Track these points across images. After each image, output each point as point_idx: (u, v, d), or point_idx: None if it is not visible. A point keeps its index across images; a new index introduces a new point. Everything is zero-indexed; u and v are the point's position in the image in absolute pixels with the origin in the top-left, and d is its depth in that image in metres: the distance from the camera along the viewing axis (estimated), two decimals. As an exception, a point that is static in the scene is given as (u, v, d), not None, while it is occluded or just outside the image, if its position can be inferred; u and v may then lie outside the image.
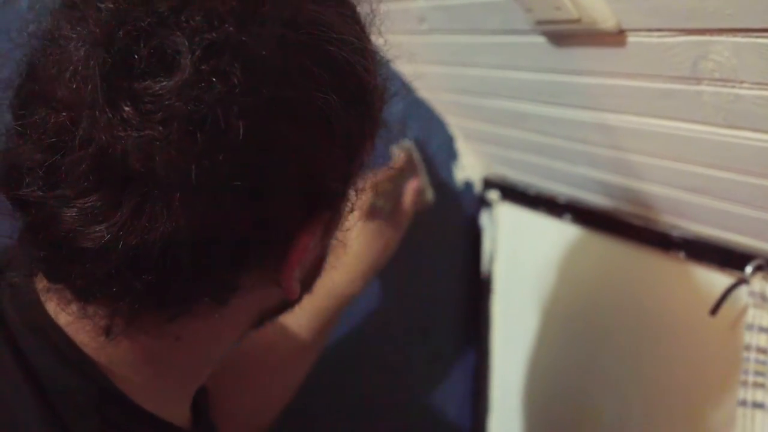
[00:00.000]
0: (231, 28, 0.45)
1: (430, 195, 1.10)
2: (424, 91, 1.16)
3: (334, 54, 0.49)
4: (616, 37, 0.70)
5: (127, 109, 0.43)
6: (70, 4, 0.48)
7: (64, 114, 0.45)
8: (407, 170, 1.05)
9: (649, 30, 0.67)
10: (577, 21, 0.71)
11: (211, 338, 0.55)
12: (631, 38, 0.70)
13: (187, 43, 0.44)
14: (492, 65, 0.94)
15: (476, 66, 0.97)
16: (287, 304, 0.60)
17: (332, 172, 0.51)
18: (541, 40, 0.80)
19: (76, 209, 0.45)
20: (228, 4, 0.45)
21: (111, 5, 0.45)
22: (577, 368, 1.12)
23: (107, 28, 0.44)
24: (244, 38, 0.45)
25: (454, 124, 1.19)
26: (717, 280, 0.85)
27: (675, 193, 0.86)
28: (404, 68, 1.13)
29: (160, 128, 0.43)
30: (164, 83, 0.44)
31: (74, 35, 0.45)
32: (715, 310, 0.84)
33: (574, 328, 1.12)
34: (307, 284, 0.59)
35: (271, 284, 0.53)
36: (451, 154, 1.22)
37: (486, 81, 0.99)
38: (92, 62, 0.44)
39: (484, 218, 1.26)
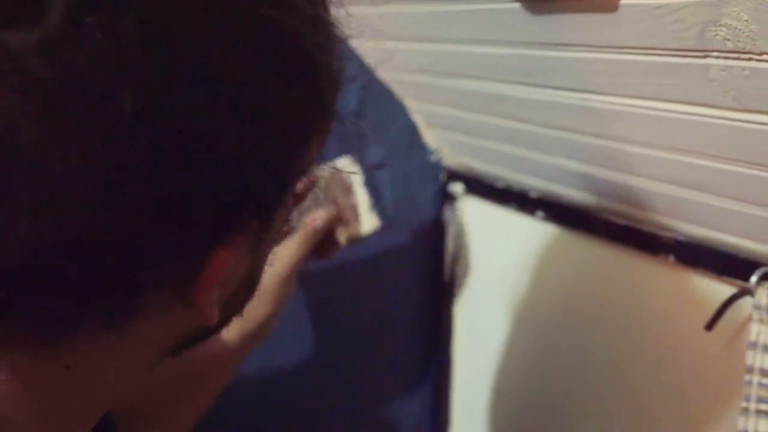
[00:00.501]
0: None
1: (370, 223, 0.98)
2: (381, 71, 1.11)
3: (274, 19, 0.41)
4: (606, 0, 0.63)
5: None
6: None
7: None
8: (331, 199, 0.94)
9: None
10: None
11: (108, 367, 0.46)
12: (625, 1, 0.62)
13: None
14: (457, 39, 0.87)
15: (439, 41, 0.91)
16: (210, 330, 0.52)
17: (262, 172, 0.42)
18: (515, 6, 0.73)
19: None
20: None
21: None
22: (549, 384, 1.07)
23: None
24: None
25: (415, 108, 1.14)
26: (714, 289, 0.80)
27: (667, 188, 0.80)
28: (358, 45, 1.06)
29: (16, 96, 0.34)
30: (22, 36, 0.34)
31: None
32: (711, 324, 0.79)
33: (547, 340, 1.07)
34: (235, 307, 0.51)
35: (183, 306, 0.44)
36: (412, 143, 1.18)
37: (450, 58, 0.93)
38: None
39: (447, 214, 1.21)
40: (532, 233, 1.06)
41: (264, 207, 0.44)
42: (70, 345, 0.42)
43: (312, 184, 0.81)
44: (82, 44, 0.35)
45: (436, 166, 1.19)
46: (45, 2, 0.34)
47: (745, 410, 0.74)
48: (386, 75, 1.10)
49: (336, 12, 0.48)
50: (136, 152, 0.37)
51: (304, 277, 1.11)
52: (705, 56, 0.60)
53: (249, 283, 0.50)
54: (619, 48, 0.67)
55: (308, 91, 0.44)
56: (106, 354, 0.44)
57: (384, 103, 1.13)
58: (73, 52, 0.34)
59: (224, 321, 0.50)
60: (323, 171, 0.94)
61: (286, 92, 0.42)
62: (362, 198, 0.96)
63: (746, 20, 0.54)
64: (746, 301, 0.75)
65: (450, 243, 1.22)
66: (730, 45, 0.57)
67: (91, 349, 0.43)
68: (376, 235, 1.12)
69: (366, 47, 1.06)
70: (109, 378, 0.47)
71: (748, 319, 0.75)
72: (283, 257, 0.85)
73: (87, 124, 0.35)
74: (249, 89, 0.40)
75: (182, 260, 0.42)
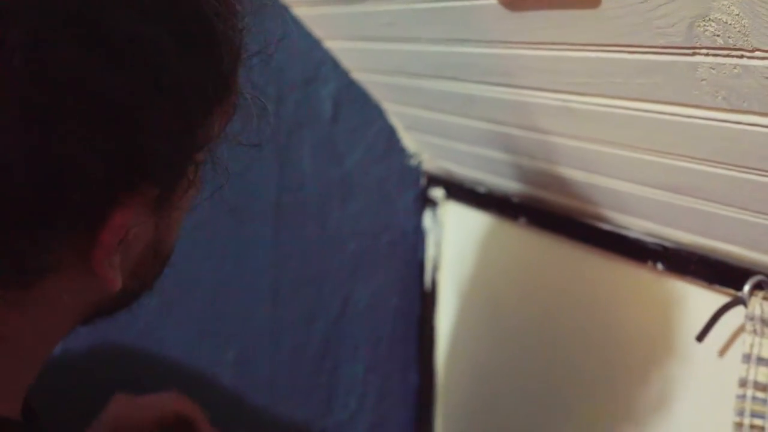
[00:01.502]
0: None
1: None
2: (357, 72, 1.08)
3: None
4: (587, -5, 0.60)
5: None
6: None
7: None
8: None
9: None
10: None
11: (21, 330, 0.48)
12: (608, -5, 0.59)
13: None
14: (434, 39, 0.85)
15: (415, 41, 0.88)
16: (122, 300, 0.54)
17: (157, 136, 0.44)
18: (492, 3, 0.70)
19: None
20: None
21: None
22: (534, 396, 1.05)
23: None
24: None
25: (391, 110, 1.12)
26: (705, 298, 0.78)
27: (654, 193, 0.77)
28: (333, 45, 1.04)
29: None
30: None
31: None
32: (702, 335, 0.76)
33: (531, 350, 1.05)
34: (142, 275, 0.53)
35: (87, 270, 0.46)
36: (390, 146, 1.16)
37: (426, 59, 0.90)
38: None
39: (427, 220, 1.20)
40: (515, 239, 1.04)
41: (161, 173, 0.46)
42: None
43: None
44: None
45: (416, 171, 1.17)
46: None
47: (739, 426, 0.71)
48: (362, 77, 1.08)
49: None
50: (27, 108, 0.38)
51: (281, 285, 1.09)
52: (693, 53, 0.57)
53: (155, 253, 0.52)
54: (602, 46, 0.64)
55: (206, 58, 0.45)
56: (19, 316, 0.47)
57: (360, 106, 1.11)
58: None
59: (134, 292, 0.53)
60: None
61: (182, 56, 0.43)
62: None
63: (737, 14, 0.51)
64: (739, 311, 0.73)
65: (430, 250, 1.21)
66: (719, 41, 0.54)
67: (9, 311, 0.46)
68: (354, 242, 1.11)
69: (340, 48, 1.03)
70: (24, 342, 0.49)
71: (741, 330, 0.73)
72: None
73: None
74: (143, 48, 0.41)
75: (79, 217, 0.43)
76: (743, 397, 0.71)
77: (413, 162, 1.16)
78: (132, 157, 0.43)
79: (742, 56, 0.53)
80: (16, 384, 0.51)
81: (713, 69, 0.56)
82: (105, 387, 0.86)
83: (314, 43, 1.05)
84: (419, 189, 1.18)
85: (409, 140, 1.15)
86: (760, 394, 0.71)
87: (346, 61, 1.06)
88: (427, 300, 1.22)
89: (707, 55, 0.56)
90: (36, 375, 0.52)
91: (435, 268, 1.21)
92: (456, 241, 1.18)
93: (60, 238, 0.44)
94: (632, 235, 0.85)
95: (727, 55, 0.54)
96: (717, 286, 0.76)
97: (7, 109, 0.38)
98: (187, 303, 1.03)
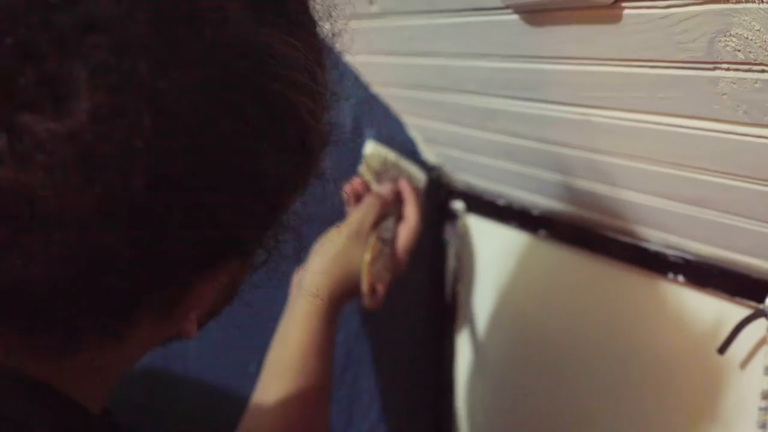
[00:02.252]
0: (143, 69, 0.40)
1: (421, 176, 1.08)
2: (377, 86, 1.08)
3: (275, 92, 0.46)
4: (608, 11, 0.60)
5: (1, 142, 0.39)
6: None
7: None
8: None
9: None
10: None
11: (118, 362, 0.55)
12: (629, 11, 0.59)
13: (87, 79, 0.39)
14: (454, 53, 0.85)
15: (435, 55, 0.88)
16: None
17: (249, 224, 0.49)
18: (513, 18, 0.70)
19: None
20: (144, 32, 0.40)
21: None
22: (555, 407, 1.04)
23: None
24: (158, 83, 0.40)
25: (411, 124, 1.12)
26: (726, 311, 0.77)
27: (674, 206, 0.77)
28: (355, 59, 1.04)
29: (41, 174, 0.39)
30: (52, 126, 0.39)
31: None
32: (724, 348, 0.76)
33: (552, 362, 1.04)
34: (214, 315, 0.58)
35: (168, 323, 0.52)
36: (411, 160, 1.14)
37: (447, 72, 0.90)
38: None
39: (448, 232, 1.20)
40: (535, 252, 1.04)
41: (246, 250, 0.51)
42: (71, 357, 0.49)
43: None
44: (105, 136, 0.39)
45: (436, 184, 1.16)
46: (71, 95, 0.39)
47: (762, 439, 0.71)
48: (382, 90, 1.08)
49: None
50: (146, 214, 0.42)
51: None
52: (714, 68, 0.57)
53: (228, 298, 0.57)
54: (623, 60, 0.64)
55: (298, 156, 0.49)
56: (110, 353, 0.51)
57: (381, 120, 1.11)
58: (98, 143, 0.39)
59: (201, 326, 0.56)
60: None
61: (280, 161, 0.47)
62: (404, 162, 1.06)
63: (758, 30, 0.51)
64: (760, 324, 0.72)
65: (451, 262, 1.20)
66: (740, 56, 0.54)
67: (100, 352, 0.50)
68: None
69: (361, 62, 1.04)
70: (113, 370, 0.55)
71: (763, 342, 0.73)
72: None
73: (105, 196, 0.40)
74: (249, 163, 0.45)
75: (169, 293, 0.48)
76: (765, 409, 0.71)
77: (433, 175, 1.16)
78: (228, 244, 0.48)
79: (763, 71, 0.53)
80: (101, 394, 0.57)
81: (734, 83, 0.56)
82: (125, 399, 0.87)
83: (335, 58, 1.05)
84: (439, 201, 1.18)
85: (429, 153, 1.15)
86: (782, 407, 0.70)
87: (368, 75, 1.06)
88: (447, 312, 1.21)
89: (728, 69, 0.56)
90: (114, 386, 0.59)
91: (455, 281, 1.20)
92: (476, 253, 1.17)
93: (153, 307, 0.48)
94: (653, 247, 0.84)
95: (749, 70, 0.54)
96: (738, 299, 0.75)
97: (135, 218, 0.42)
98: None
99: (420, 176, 1.07)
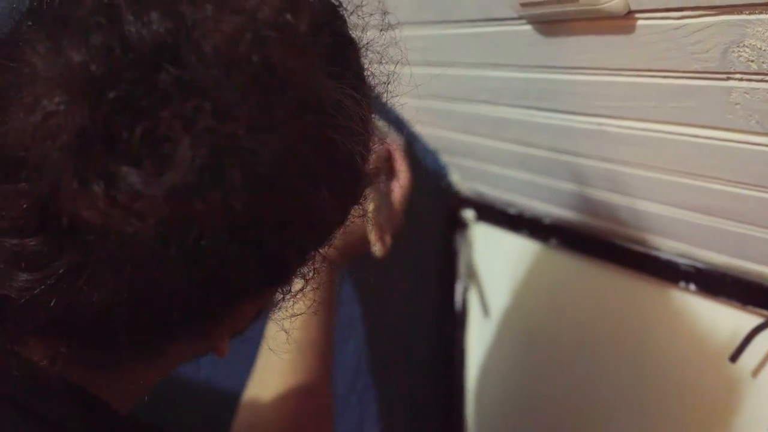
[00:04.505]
0: (241, 131, 0.42)
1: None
2: (388, 95, 1.05)
3: (337, 143, 0.48)
4: (622, 21, 0.60)
5: (97, 189, 0.41)
6: (48, 19, 0.44)
7: (23, 168, 0.42)
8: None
9: (667, 10, 0.57)
10: (574, 0, 0.61)
11: (142, 378, 0.57)
12: (642, 22, 0.59)
13: (188, 139, 0.41)
14: (467, 63, 0.86)
15: (448, 65, 0.89)
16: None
17: (298, 254, 0.52)
18: (527, 28, 0.71)
19: (7, 246, 0.44)
20: (241, 96, 0.42)
21: (102, 50, 0.41)
22: (567, 417, 1.04)
23: (95, 83, 0.40)
24: (252, 145, 0.42)
25: (423, 133, 1.12)
26: (738, 319, 0.77)
27: (686, 214, 0.77)
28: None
29: (133, 221, 0.41)
30: (151, 181, 0.41)
31: (46, 70, 0.41)
32: (736, 356, 0.76)
33: (564, 371, 1.04)
34: (243, 331, 0.60)
35: (202, 342, 0.55)
36: (421, 168, 1.15)
37: (460, 82, 0.91)
38: (68, 120, 0.40)
39: (458, 241, 1.20)
40: (547, 261, 1.04)
41: (289, 276, 0.54)
42: (116, 373, 0.53)
43: None
44: (200, 195, 0.41)
45: (447, 192, 1.17)
46: (170, 152, 0.40)
47: (774, 447, 0.71)
48: (394, 100, 1.08)
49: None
50: (215, 257, 0.44)
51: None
52: (727, 78, 0.57)
53: (257, 317, 0.59)
54: (636, 71, 0.65)
55: (350, 198, 0.53)
56: (148, 370, 0.55)
57: (392, 128, 1.11)
58: (192, 201, 0.41)
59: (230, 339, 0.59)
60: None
61: (334, 202, 0.49)
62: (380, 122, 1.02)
63: (772, 40, 0.51)
64: (773, 332, 0.73)
65: (461, 271, 1.20)
66: (754, 66, 0.54)
67: (143, 371, 0.54)
68: (384, 263, 1.12)
69: (372, 71, 1.04)
70: (137, 383, 0.56)
71: None
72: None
73: (184, 247, 0.43)
74: (308, 208, 0.47)
75: (209, 321, 0.51)
76: (778, 417, 0.72)
77: (444, 184, 1.17)
78: (277, 274, 0.51)
79: (776, 81, 0.54)
80: (132, 401, 0.59)
81: (747, 94, 0.57)
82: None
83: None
84: (450, 210, 1.18)
85: (440, 162, 1.15)
86: (795, 415, 0.71)
87: (378, 84, 1.07)
88: (457, 321, 1.21)
89: (741, 80, 0.56)
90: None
91: (466, 289, 1.20)
92: (487, 262, 1.18)
93: (192, 333, 0.51)
94: (664, 256, 0.85)
95: (761, 80, 0.55)
96: (750, 307, 0.76)
97: (197, 261, 0.44)
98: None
99: (394, 135, 1.05)
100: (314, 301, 0.87)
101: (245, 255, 0.46)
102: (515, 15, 0.69)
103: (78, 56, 0.41)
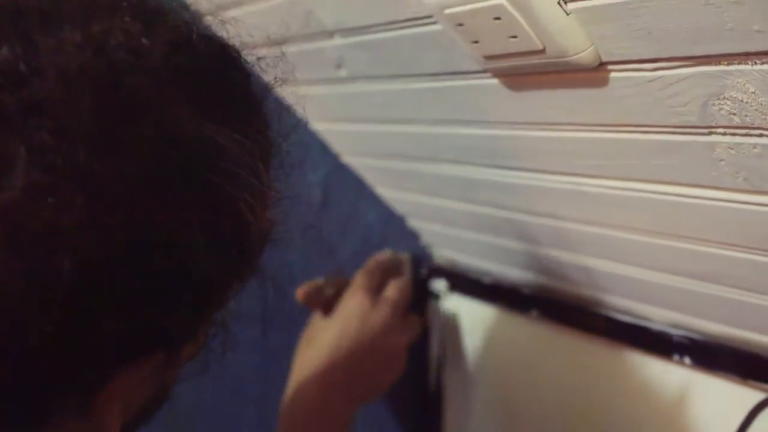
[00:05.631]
0: (80, 153, 0.45)
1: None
2: (348, 155, 1.10)
3: (214, 185, 0.50)
4: (594, 74, 0.62)
5: None
6: None
7: None
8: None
9: (640, 61, 0.58)
10: (541, 53, 0.62)
11: None
12: (616, 74, 0.61)
13: (24, 157, 0.43)
14: (430, 120, 0.87)
15: (410, 122, 0.91)
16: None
17: (176, 316, 0.52)
18: (493, 82, 0.72)
19: None
20: (85, 119, 0.45)
21: None
22: None
23: None
24: (94, 168, 0.45)
25: (387, 196, 1.14)
26: (739, 395, 0.78)
27: (675, 280, 0.79)
28: (321, 127, 1.07)
29: None
30: None
31: None
32: None
33: None
34: (144, 418, 0.61)
35: (88, 419, 0.53)
36: (386, 235, 1.17)
37: (423, 141, 0.92)
38: None
39: (430, 314, 1.20)
40: (527, 334, 1.05)
41: (172, 345, 0.53)
42: None
43: None
44: (35, 213, 0.43)
45: (416, 261, 1.18)
46: (7, 169, 0.43)
47: None
48: (353, 161, 1.10)
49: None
50: (67, 296, 0.45)
51: (270, 393, 1.08)
52: (709, 133, 0.58)
53: (155, 400, 0.60)
54: (613, 126, 0.66)
55: (233, 251, 0.53)
56: None
57: (352, 193, 1.13)
58: (28, 219, 0.43)
59: (129, 426, 0.58)
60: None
61: (213, 254, 0.50)
62: None
63: (753, 92, 0.53)
64: (777, 409, 0.73)
65: (434, 347, 1.20)
66: (736, 120, 0.56)
67: None
68: None
69: (328, 130, 1.06)
70: None
71: None
72: None
73: (28, 273, 0.44)
74: (178, 255, 0.48)
75: (90, 382, 0.50)
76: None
77: (413, 252, 1.17)
78: (146, 335, 0.50)
79: (761, 135, 0.55)
80: None
81: (732, 149, 0.58)
82: None
83: (299, 125, 1.07)
84: (420, 281, 1.18)
85: (406, 228, 1.16)
86: (805, 502, 0.71)
87: (336, 144, 1.09)
88: (431, 403, 1.21)
89: (724, 134, 0.57)
90: None
91: (440, 368, 1.20)
92: (462, 337, 1.18)
93: (66, 402, 0.50)
94: (655, 327, 0.86)
95: (746, 134, 0.56)
96: (752, 381, 0.76)
97: (45, 294, 0.44)
98: (162, 417, 1.03)
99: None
100: None
101: (102, 296, 0.46)
102: (480, 68, 0.71)
103: None
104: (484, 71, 0.71)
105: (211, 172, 0.50)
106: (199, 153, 0.49)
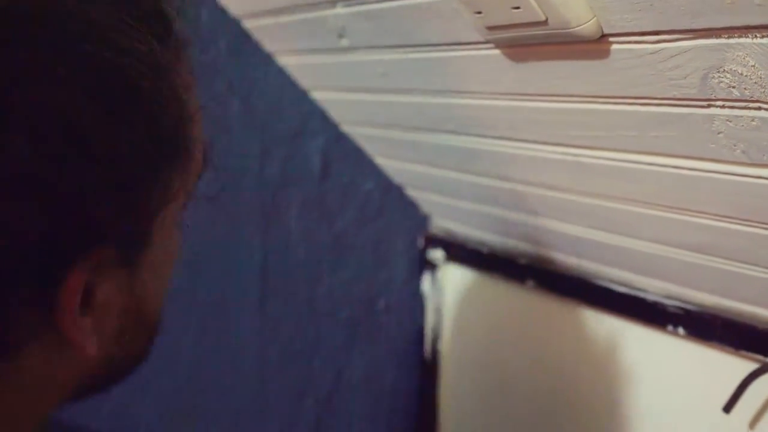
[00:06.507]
0: None
1: None
2: (347, 125, 1.10)
3: (87, 51, 0.48)
4: (595, 45, 0.62)
5: None
6: None
7: None
8: None
9: (642, 33, 0.59)
10: (543, 24, 0.62)
11: (15, 404, 0.53)
12: (617, 46, 0.61)
13: None
14: (431, 91, 0.87)
15: (410, 92, 0.91)
16: (113, 371, 0.58)
17: (94, 203, 0.49)
18: (495, 53, 0.72)
19: None
20: None
21: None
22: None
23: None
24: None
25: (385, 166, 1.14)
26: (732, 365, 0.78)
27: (672, 252, 0.79)
28: (321, 96, 1.07)
29: None
30: None
31: None
32: (730, 405, 0.77)
33: (544, 422, 1.05)
34: (127, 342, 0.56)
35: (59, 338, 0.51)
36: (384, 205, 1.17)
37: (424, 111, 0.92)
38: None
39: (426, 284, 1.21)
40: (523, 304, 1.05)
41: (112, 235, 0.50)
42: None
43: None
44: None
45: (413, 231, 1.18)
46: None
47: (773, 504, 0.72)
48: (352, 130, 1.10)
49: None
50: None
51: (268, 358, 1.09)
52: (708, 105, 0.59)
53: (137, 317, 0.56)
54: (613, 98, 0.66)
55: (138, 123, 0.50)
56: (2, 387, 0.51)
57: (352, 162, 1.13)
58: None
59: (124, 362, 0.57)
60: None
61: (112, 120, 0.48)
62: None
63: (753, 65, 0.53)
64: (768, 379, 0.74)
65: (430, 317, 1.21)
66: (735, 93, 0.56)
67: None
68: (347, 309, 1.13)
69: (329, 99, 1.06)
70: (10, 414, 0.53)
71: None
72: None
73: None
74: (60, 118, 0.47)
75: (32, 285, 0.48)
76: (777, 472, 0.73)
77: (412, 220, 1.18)
78: (72, 223, 0.48)
79: (759, 108, 0.56)
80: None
81: (730, 121, 0.59)
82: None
83: (301, 94, 1.07)
84: (417, 251, 1.19)
85: (405, 197, 1.17)
86: (794, 469, 0.72)
87: (336, 114, 1.08)
88: (427, 372, 1.22)
89: (723, 107, 0.58)
90: None
91: (435, 337, 1.21)
92: (458, 306, 1.18)
93: (20, 307, 0.48)
94: (650, 297, 0.86)
95: (745, 107, 0.57)
96: (744, 352, 0.77)
97: None
98: (164, 378, 1.04)
99: None
100: None
101: (15, 183, 0.46)
102: (482, 39, 0.71)
103: None
104: (486, 42, 0.71)
105: (80, 40, 0.48)
106: (61, 23, 0.48)
